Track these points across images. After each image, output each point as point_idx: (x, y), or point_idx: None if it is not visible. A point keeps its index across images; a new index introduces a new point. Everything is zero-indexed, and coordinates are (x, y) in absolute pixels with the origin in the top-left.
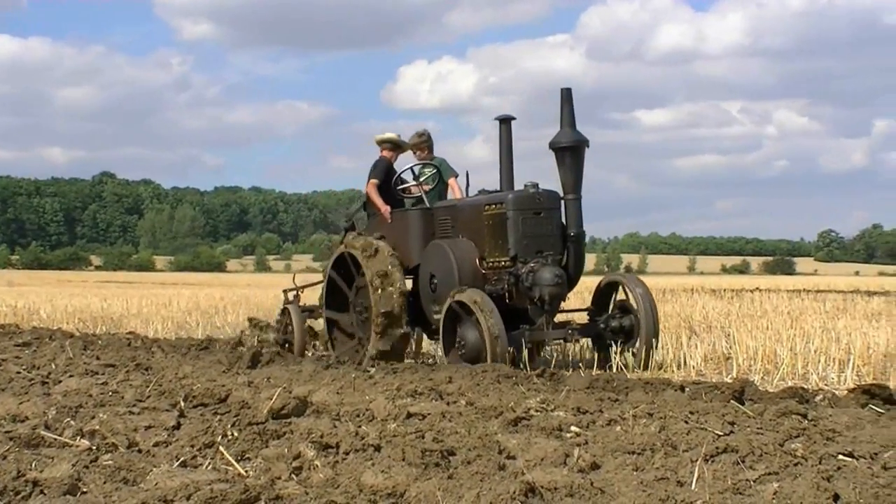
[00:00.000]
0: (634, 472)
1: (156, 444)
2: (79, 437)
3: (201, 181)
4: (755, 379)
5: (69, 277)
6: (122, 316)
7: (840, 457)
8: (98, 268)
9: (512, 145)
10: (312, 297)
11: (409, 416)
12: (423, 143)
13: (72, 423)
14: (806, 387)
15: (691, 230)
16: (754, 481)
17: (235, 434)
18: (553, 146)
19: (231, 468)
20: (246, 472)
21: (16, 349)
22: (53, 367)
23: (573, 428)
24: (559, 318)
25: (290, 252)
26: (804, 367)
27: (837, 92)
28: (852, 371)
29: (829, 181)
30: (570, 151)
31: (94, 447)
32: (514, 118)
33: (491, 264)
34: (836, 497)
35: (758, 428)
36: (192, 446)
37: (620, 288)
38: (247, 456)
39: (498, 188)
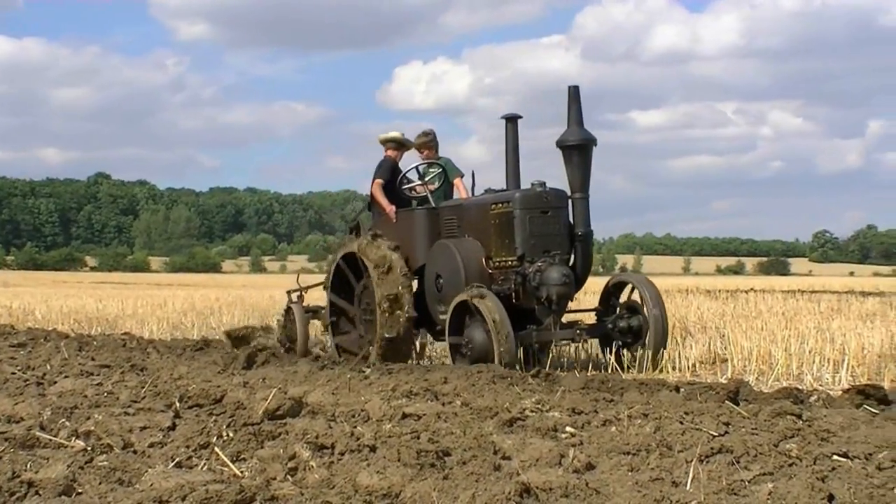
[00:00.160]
0: (629, 473)
1: (151, 445)
2: (74, 438)
3: (197, 182)
4: (750, 379)
5: (64, 278)
6: (117, 317)
7: (835, 457)
8: (93, 268)
9: (518, 144)
10: (313, 298)
11: (405, 416)
12: (428, 143)
13: (67, 423)
14: (800, 387)
15: (686, 231)
16: (749, 482)
17: (231, 435)
18: (560, 144)
19: (226, 469)
20: (241, 472)
21: (11, 350)
22: (49, 367)
23: (568, 428)
24: (566, 318)
25: (286, 253)
26: (799, 367)
27: (832, 93)
28: (847, 371)
29: (823, 182)
30: (577, 150)
31: (90, 448)
32: (520, 117)
33: (497, 264)
34: (831, 497)
35: (753, 428)
36: (188, 447)
37: (629, 288)
38: (242, 457)
39: (503, 187)
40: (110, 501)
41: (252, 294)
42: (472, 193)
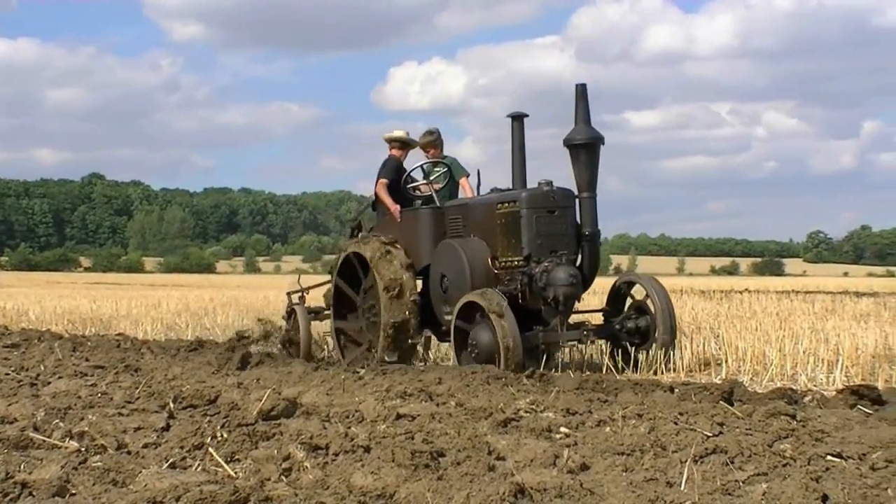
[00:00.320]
0: (624, 473)
1: (145, 446)
2: (68, 439)
3: (191, 182)
4: (744, 380)
5: (58, 279)
6: (111, 317)
7: (829, 457)
8: (87, 269)
9: (524, 143)
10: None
11: (399, 417)
12: (433, 142)
13: (61, 424)
14: (795, 388)
15: (681, 231)
16: (743, 482)
17: (225, 435)
18: (568, 143)
19: (220, 469)
20: (235, 473)
21: (4, 350)
22: (42, 368)
23: (563, 429)
24: (573, 318)
25: (280, 253)
26: (793, 367)
27: (827, 93)
28: (841, 372)
29: (818, 182)
30: (585, 148)
31: (83, 449)
32: (526, 115)
33: (504, 264)
34: (825, 498)
35: (747, 429)
36: (182, 448)
37: (636, 288)
38: (236, 457)
39: (509, 186)
40: (104, 502)
41: (246, 295)
42: (478, 192)
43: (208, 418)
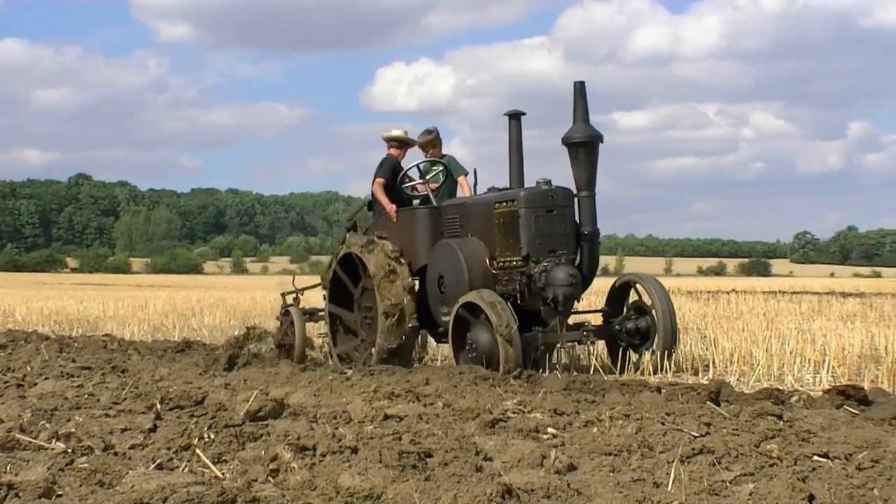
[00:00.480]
0: (611, 474)
1: (132, 447)
2: (54, 440)
3: (178, 183)
4: (731, 380)
5: (45, 279)
6: (98, 318)
7: (815, 457)
8: (74, 270)
9: (522, 141)
10: (312, 300)
11: (386, 417)
12: (432, 141)
13: (47, 425)
14: (781, 388)
15: (668, 232)
16: (730, 482)
17: (212, 436)
18: (566, 141)
19: (207, 470)
20: (222, 474)
21: None
22: (29, 369)
23: (550, 429)
24: (572, 319)
25: (267, 254)
26: (780, 368)
27: (813, 94)
28: (827, 372)
29: (805, 183)
30: (583, 147)
31: (70, 450)
32: (523, 113)
33: (502, 264)
34: (812, 498)
35: (734, 429)
36: (169, 449)
37: (636, 288)
38: (223, 458)
39: (506, 185)
40: (91, 503)
41: (233, 295)
42: (475, 191)
43: (195, 419)
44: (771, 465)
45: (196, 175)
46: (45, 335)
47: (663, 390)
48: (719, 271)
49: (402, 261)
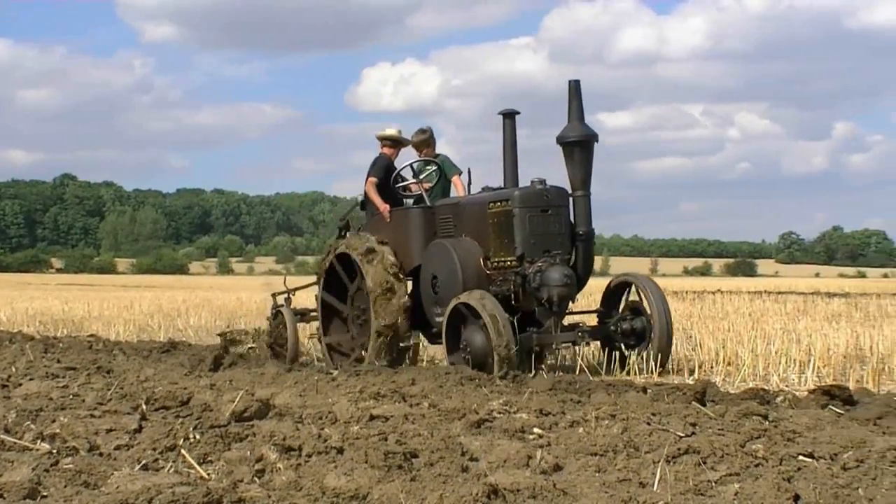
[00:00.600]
0: (597, 474)
1: (117, 448)
2: (39, 441)
3: (164, 183)
4: (717, 380)
5: (30, 280)
6: (83, 319)
7: (800, 457)
8: (59, 270)
9: (516, 140)
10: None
11: (372, 418)
12: (426, 140)
13: (32, 426)
14: (767, 388)
15: (653, 232)
16: (716, 482)
17: (197, 437)
18: (561, 141)
19: (193, 471)
20: (208, 474)
21: None
22: (13, 370)
23: (536, 430)
24: (567, 319)
25: (253, 254)
26: (765, 368)
27: (799, 95)
28: (812, 372)
29: (790, 183)
30: (578, 146)
31: (55, 451)
32: (518, 112)
33: (496, 264)
34: (797, 497)
35: (719, 429)
36: (154, 449)
37: (631, 288)
38: (209, 459)
39: (500, 185)
40: None
41: (219, 296)
42: (469, 191)
43: (181, 420)
44: (756, 465)
45: (182, 175)
46: (29, 336)
47: (649, 390)
48: (705, 271)
49: (401, 276)
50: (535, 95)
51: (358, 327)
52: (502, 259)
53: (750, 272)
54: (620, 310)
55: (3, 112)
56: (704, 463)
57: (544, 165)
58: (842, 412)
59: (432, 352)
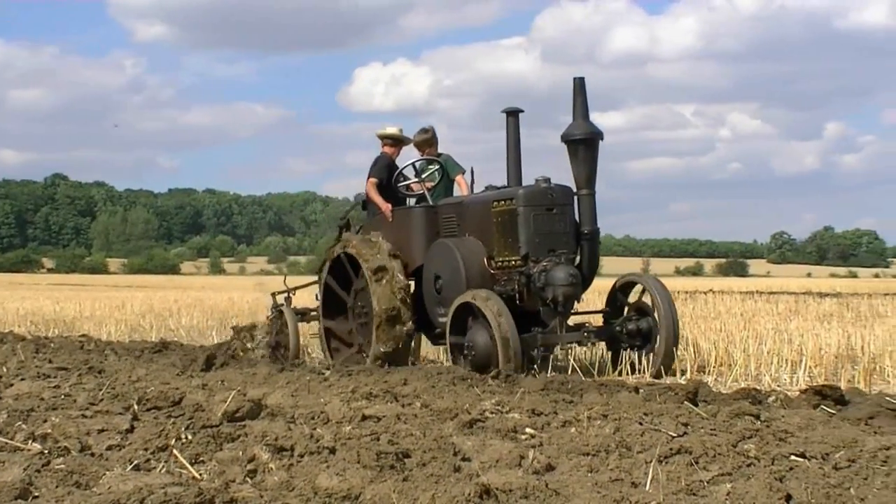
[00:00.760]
0: (589, 474)
1: (109, 448)
2: (30, 441)
3: (155, 183)
4: (709, 380)
5: (21, 280)
6: (74, 319)
7: (792, 457)
8: (50, 270)
9: (519, 139)
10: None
11: (364, 418)
12: (429, 140)
13: (23, 426)
14: (759, 388)
15: (645, 232)
16: (708, 482)
17: (189, 437)
18: (565, 139)
19: (185, 471)
20: (200, 475)
21: None
22: (5, 370)
23: (528, 430)
24: (572, 319)
25: (245, 254)
26: (757, 368)
27: (790, 95)
28: (804, 372)
29: (781, 184)
30: (583, 144)
31: (46, 451)
32: (521, 111)
33: (500, 264)
34: (789, 497)
35: (711, 429)
36: (146, 450)
37: (637, 289)
38: (201, 459)
39: (504, 184)
40: None
41: (211, 296)
42: (472, 190)
43: (173, 420)
44: (748, 465)
45: (173, 175)
46: (21, 336)
47: (641, 390)
48: (696, 271)
49: (408, 300)
50: (527, 95)
51: (359, 325)
52: (506, 258)
53: (741, 272)
54: (626, 310)
55: None
56: (696, 463)
57: (539, 165)
58: (833, 412)
59: (425, 351)
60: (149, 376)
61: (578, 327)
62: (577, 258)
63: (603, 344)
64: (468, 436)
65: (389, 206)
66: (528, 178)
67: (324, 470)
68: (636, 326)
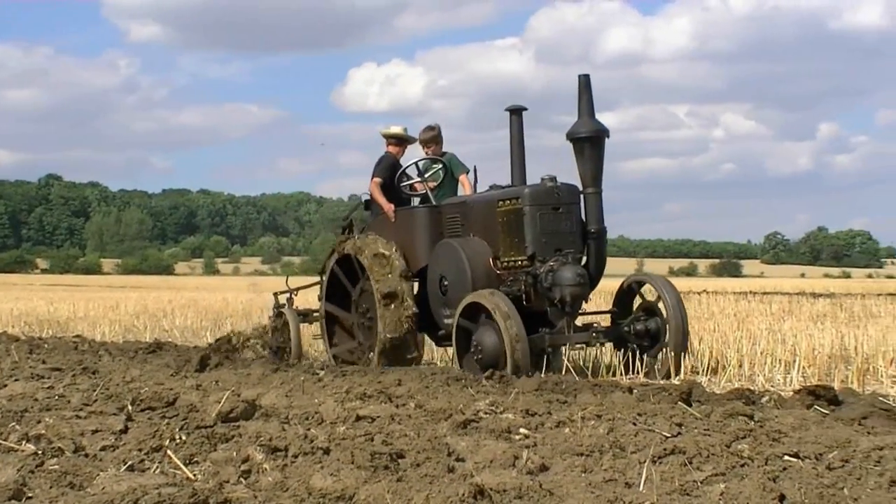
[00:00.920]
0: (583, 474)
1: (103, 449)
2: (24, 442)
3: (149, 184)
4: (702, 381)
5: (15, 280)
6: (68, 319)
7: (786, 457)
8: (44, 271)
9: (523, 137)
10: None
11: (359, 418)
12: (434, 138)
13: (17, 427)
14: (752, 388)
15: (639, 233)
16: (701, 482)
17: (183, 438)
18: (571, 136)
19: (179, 472)
20: (194, 475)
21: None
22: None
23: (522, 430)
24: (579, 320)
25: (239, 255)
26: (750, 368)
27: (783, 96)
28: (798, 372)
29: (775, 184)
30: (589, 142)
31: (40, 452)
32: (525, 108)
33: (506, 264)
34: (782, 497)
35: (705, 429)
36: (140, 450)
37: (645, 288)
38: (195, 460)
39: (509, 182)
40: None
41: (205, 296)
42: (475, 189)
43: (167, 420)
44: (742, 465)
45: (167, 176)
46: (14, 336)
47: (635, 391)
48: (690, 272)
49: (417, 331)
50: (521, 96)
51: (364, 331)
52: (512, 259)
53: (735, 273)
54: (634, 310)
55: None
56: (690, 463)
57: (533, 164)
58: (827, 412)
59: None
60: (143, 377)
61: (586, 328)
62: (584, 258)
63: (603, 344)
64: (462, 436)
65: (392, 206)
66: (540, 175)
67: (318, 470)
68: (644, 327)
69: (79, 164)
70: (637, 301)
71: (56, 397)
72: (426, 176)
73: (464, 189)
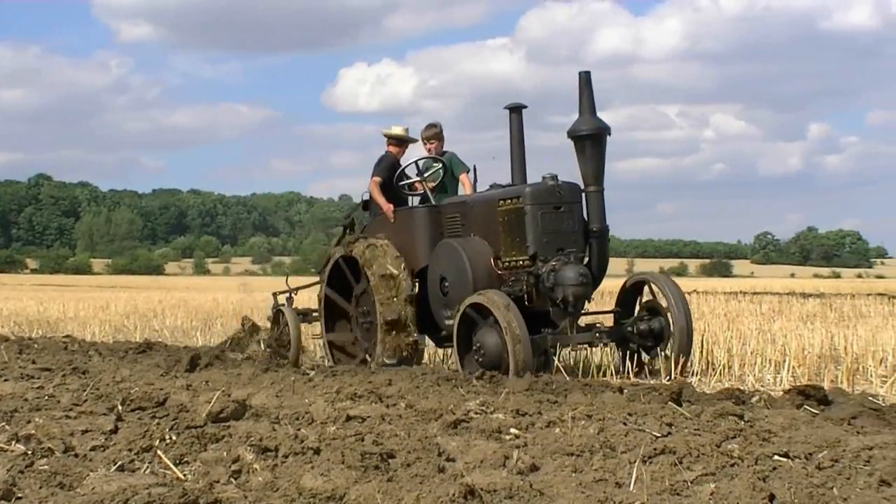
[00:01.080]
0: (573, 474)
1: (93, 449)
2: (14, 442)
3: (140, 184)
4: (692, 381)
5: (4, 280)
6: (58, 319)
7: (775, 457)
8: (34, 271)
9: (523, 135)
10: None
11: (349, 418)
12: (436, 135)
13: (7, 427)
14: (742, 388)
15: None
16: (691, 482)
17: (174, 438)
18: (572, 134)
19: (169, 472)
20: (184, 475)
21: None
22: None
23: (512, 430)
24: (582, 319)
25: (229, 255)
26: (741, 368)
27: (774, 96)
28: (788, 372)
29: (765, 184)
30: (591, 140)
31: (30, 452)
32: (525, 106)
33: (507, 264)
34: (772, 497)
35: (695, 429)
36: (130, 450)
37: (648, 287)
38: (185, 460)
39: (509, 182)
40: None
41: (195, 296)
42: (475, 189)
43: (157, 421)
44: (732, 465)
45: (158, 175)
46: (4, 336)
47: (625, 391)
48: (681, 272)
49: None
50: (512, 96)
51: (363, 330)
52: (514, 258)
53: (725, 273)
54: (637, 310)
55: None
56: (680, 463)
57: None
58: (817, 412)
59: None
60: (133, 377)
61: (589, 328)
62: (587, 257)
63: (606, 345)
64: (453, 436)
65: (391, 206)
66: (542, 173)
67: (308, 470)
68: (648, 326)
69: (69, 164)
70: (641, 300)
71: (46, 397)
72: (426, 175)
73: (464, 188)
